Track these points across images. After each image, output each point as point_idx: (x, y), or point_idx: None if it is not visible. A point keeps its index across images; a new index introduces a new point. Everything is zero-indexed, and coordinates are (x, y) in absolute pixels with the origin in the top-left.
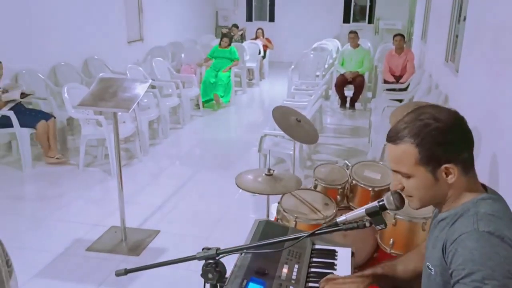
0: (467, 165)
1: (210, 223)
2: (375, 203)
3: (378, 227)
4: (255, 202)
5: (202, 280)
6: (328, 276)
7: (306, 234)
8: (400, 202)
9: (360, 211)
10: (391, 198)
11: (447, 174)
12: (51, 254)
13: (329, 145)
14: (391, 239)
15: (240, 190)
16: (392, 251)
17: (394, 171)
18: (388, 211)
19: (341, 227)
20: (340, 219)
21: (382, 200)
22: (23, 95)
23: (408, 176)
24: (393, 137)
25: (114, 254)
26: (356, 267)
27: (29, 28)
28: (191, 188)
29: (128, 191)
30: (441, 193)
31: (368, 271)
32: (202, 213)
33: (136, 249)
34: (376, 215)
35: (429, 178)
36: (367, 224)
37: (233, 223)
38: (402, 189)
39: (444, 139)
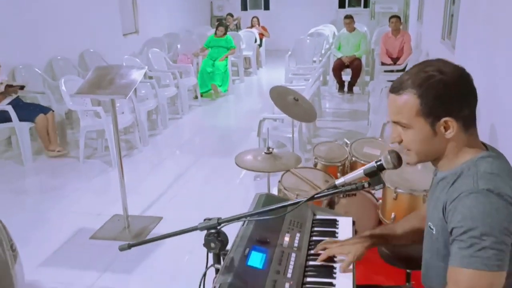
0: (468, 122)
1: (212, 208)
2: (372, 163)
3: (376, 187)
4: (257, 185)
5: (205, 249)
6: (325, 241)
7: (305, 199)
8: (398, 160)
9: (358, 172)
10: (389, 157)
11: (446, 128)
12: (56, 244)
13: (328, 129)
14: (393, 213)
15: (242, 175)
16: None
17: (394, 122)
18: (389, 186)
19: (340, 189)
20: (338, 181)
21: (380, 160)
22: (10, 87)
23: (407, 127)
24: (396, 88)
25: (117, 241)
26: None
27: (25, 23)
28: (193, 175)
29: (130, 181)
30: (438, 148)
31: (366, 233)
32: (204, 198)
33: (139, 235)
34: (374, 175)
35: (428, 130)
36: (366, 185)
37: (235, 208)
38: (400, 141)
39: (447, 92)
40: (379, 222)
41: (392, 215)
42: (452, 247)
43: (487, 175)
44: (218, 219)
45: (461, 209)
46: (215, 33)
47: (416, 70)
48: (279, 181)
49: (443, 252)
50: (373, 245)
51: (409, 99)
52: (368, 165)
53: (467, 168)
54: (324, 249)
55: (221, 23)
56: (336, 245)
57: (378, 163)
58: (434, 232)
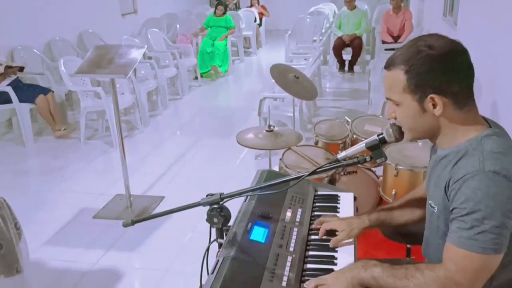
0: (461, 99)
1: (214, 187)
2: (374, 137)
3: (378, 160)
4: (258, 164)
5: (208, 225)
6: (322, 218)
7: (307, 173)
8: (399, 133)
9: (360, 146)
10: (390, 130)
11: (434, 106)
12: (59, 223)
13: (329, 108)
14: (393, 190)
15: (243, 154)
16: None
17: (387, 98)
18: (389, 162)
19: (342, 163)
20: (340, 155)
21: (382, 133)
22: (11, 68)
23: (398, 104)
24: (388, 63)
25: (120, 220)
26: None
27: (23, 4)
28: (194, 155)
29: (131, 161)
30: (429, 125)
31: (364, 215)
32: (206, 178)
33: (142, 215)
34: (376, 148)
35: (416, 107)
36: (368, 158)
37: (237, 186)
38: (396, 117)
39: (433, 68)
40: (380, 199)
41: (393, 192)
42: (452, 225)
43: (493, 154)
44: (221, 194)
45: (465, 190)
46: (214, 13)
47: (408, 45)
48: (280, 159)
49: (442, 230)
50: (369, 227)
51: (397, 75)
52: (369, 139)
53: (472, 147)
54: (322, 224)
55: (220, 2)
56: (334, 220)
57: (380, 136)
58: (435, 211)
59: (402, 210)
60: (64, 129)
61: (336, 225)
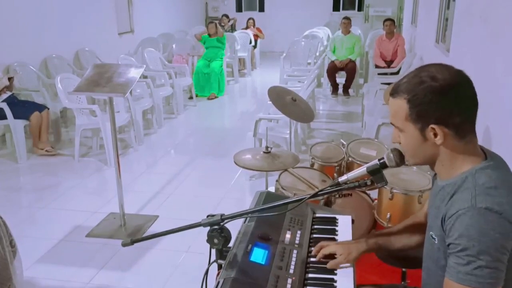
0: (462, 130)
1: (208, 208)
2: (375, 161)
3: (379, 185)
4: (252, 185)
5: (208, 245)
6: (322, 243)
7: (309, 195)
8: (400, 158)
9: (361, 170)
10: (391, 155)
11: (435, 135)
12: (52, 241)
13: (323, 130)
14: (388, 213)
15: (237, 174)
16: (390, 225)
17: (392, 123)
18: (385, 186)
19: (343, 186)
20: (342, 178)
21: (383, 158)
22: (11, 79)
23: (401, 131)
24: (393, 90)
25: (113, 239)
26: None
27: (20, 21)
28: (188, 175)
29: (125, 180)
30: (431, 154)
31: (363, 238)
32: (200, 198)
33: (135, 234)
34: (377, 172)
35: (417, 135)
36: (368, 182)
37: (231, 207)
38: (400, 142)
39: (435, 100)
40: (375, 222)
41: (388, 215)
42: (449, 260)
43: (486, 189)
44: (222, 215)
45: (458, 227)
46: (209, 34)
47: (412, 74)
48: (277, 180)
49: (442, 262)
50: (368, 251)
51: (400, 104)
52: (371, 163)
53: (466, 180)
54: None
55: (212, 22)
56: (332, 244)
57: (381, 161)
58: (436, 242)
59: (400, 235)
60: (46, 150)
61: (334, 249)
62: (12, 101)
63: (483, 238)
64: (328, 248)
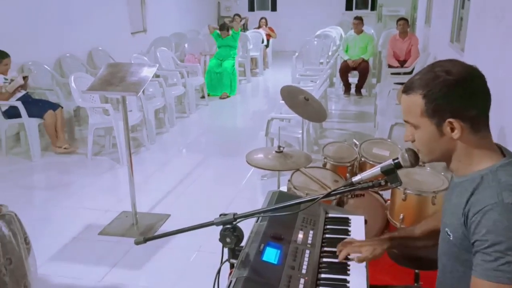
0: (477, 124)
1: (220, 207)
2: (390, 161)
3: (393, 185)
4: (264, 185)
5: (221, 244)
6: (345, 240)
7: (322, 195)
8: (415, 158)
9: (375, 170)
10: (406, 155)
11: (452, 130)
12: (64, 239)
13: (335, 130)
14: (401, 214)
15: (249, 174)
16: (402, 226)
17: (405, 121)
18: (399, 187)
19: (357, 186)
20: (355, 178)
21: (397, 158)
22: (25, 78)
23: (416, 127)
24: (406, 87)
25: (126, 238)
26: None
27: (34, 21)
28: (200, 174)
29: (137, 178)
30: (447, 149)
31: (385, 235)
32: (212, 197)
33: (147, 232)
34: (391, 173)
35: (434, 131)
36: (382, 182)
37: (243, 206)
38: (413, 140)
39: (451, 93)
40: (387, 223)
41: (401, 216)
42: (476, 258)
43: (510, 186)
44: (234, 214)
45: (485, 223)
46: (220, 35)
47: (426, 70)
48: (289, 180)
49: (463, 257)
50: (391, 248)
51: (415, 99)
52: (385, 163)
53: (487, 178)
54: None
55: (223, 27)
56: (355, 245)
57: (395, 161)
58: (451, 239)
59: (423, 232)
60: (65, 148)
61: (359, 250)
62: (27, 100)
63: (511, 233)
64: (350, 249)
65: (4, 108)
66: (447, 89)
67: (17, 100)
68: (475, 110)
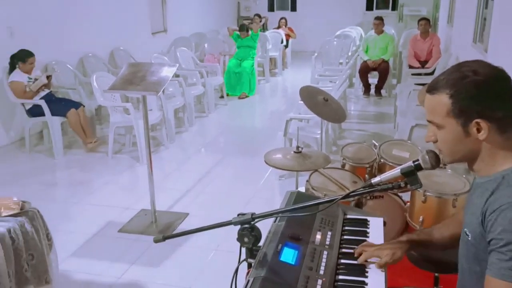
0: (503, 125)
1: (238, 206)
2: (410, 163)
3: (413, 187)
4: (282, 185)
5: (238, 244)
6: (364, 243)
7: (341, 196)
8: (436, 160)
9: (395, 172)
10: (426, 157)
11: (478, 130)
12: (85, 235)
13: (354, 131)
14: (421, 217)
15: (267, 174)
16: (421, 228)
17: (429, 121)
18: (418, 189)
19: (376, 188)
20: (375, 180)
21: (418, 160)
22: (49, 77)
23: (440, 127)
24: (431, 87)
25: (145, 235)
26: None
27: (58, 21)
28: (218, 173)
29: (156, 177)
30: (471, 149)
31: (404, 237)
32: (230, 196)
33: (166, 230)
34: (411, 175)
35: (459, 131)
36: (402, 184)
37: (260, 206)
38: (435, 141)
39: (479, 93)
40: (406, 225)
41: (420, 219)
42: (491, 257)
43: None
44: (252, 214)
45: (501, 221)
46: (240, 35)
47: (451, 70)
48: (307, 181)
49: (481, 257)
50: (410, 250)
51: (441, 99)
52: (405, 165)
53: (508, 178)
54: (361, 253)
55: (242, 28)
56: (374, 248)
57: (416, 162)
58: (469, 238)
59: (442, 234)
60: (95, 142)
61: (379, 253)
62: (50, 99)
63: None
64: (370, 253)
65: (28, 107)
66: (475, 89)
67: (41, 99)
68: (502, 111)
